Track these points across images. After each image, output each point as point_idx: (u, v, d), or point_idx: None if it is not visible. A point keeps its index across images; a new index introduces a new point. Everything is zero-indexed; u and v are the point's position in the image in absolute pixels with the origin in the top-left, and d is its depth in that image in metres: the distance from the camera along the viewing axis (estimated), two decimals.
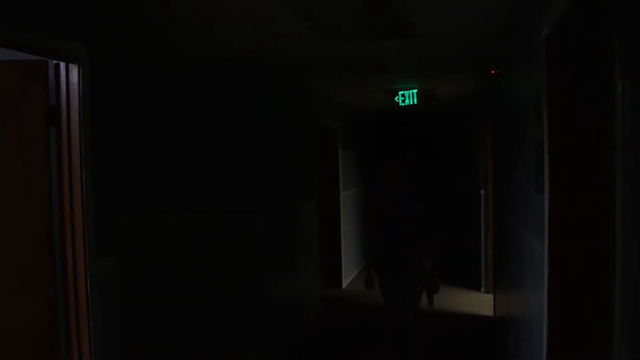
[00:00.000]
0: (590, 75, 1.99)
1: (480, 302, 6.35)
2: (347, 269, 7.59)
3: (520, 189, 3.37)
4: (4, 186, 2.54)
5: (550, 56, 2.23)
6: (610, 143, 1.48)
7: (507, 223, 4.26)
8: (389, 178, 3.78)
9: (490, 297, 6.23)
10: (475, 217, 7.10)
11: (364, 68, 5.11)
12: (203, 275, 4.77)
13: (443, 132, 11.03)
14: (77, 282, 2.67)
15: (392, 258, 3.84)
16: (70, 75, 2.63)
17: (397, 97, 6.18)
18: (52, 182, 2.63)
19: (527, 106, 2.96)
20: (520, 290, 3.43)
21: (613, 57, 1.42)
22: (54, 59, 2.59)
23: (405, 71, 5.30)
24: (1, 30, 2.23)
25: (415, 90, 6.12)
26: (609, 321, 1.51)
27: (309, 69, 5.13)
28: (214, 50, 4.17)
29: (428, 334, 4.11)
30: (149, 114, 4.93)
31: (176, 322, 4.86)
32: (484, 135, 6.53)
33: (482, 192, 6.60)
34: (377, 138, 10.41)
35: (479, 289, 6.81)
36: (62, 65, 2.63)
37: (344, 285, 7.40)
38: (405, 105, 6.26)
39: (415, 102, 6.21)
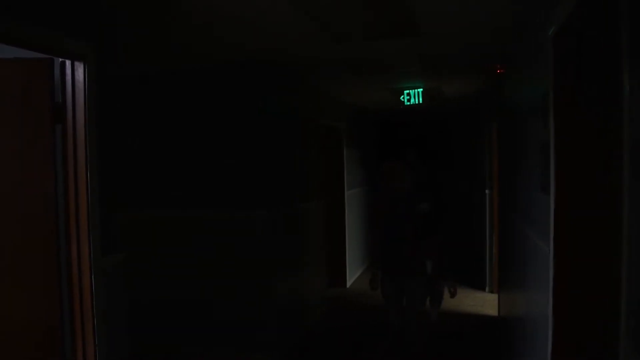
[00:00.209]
0: (597, 75, 1.98)
1: (484, 302, 6.34)
2: (352, 268, 7.59)
3: (526, 189, 3.36)
4: (9, 183, 2.55)
5: (556, 56, 2.22)
6: (616, 143, 1.47)
7: (512, 223, 4.24)
8: (389, 178, 3.77)
9: (494, 296, 6.22)
10: (480, 217, 7.09)
11: (368, 67, 5.10)
12: (208, 273, 4.78)
13: (443, 132, 11.01)
14: (82, 280, 2.68)
15: (393, 258, 3.83)
16: (76, 73, 2.64)
17: (402, 96, 6.17)
18: (58, 179, 2.63)
19: (533, 106, 2.95)
20: (525, 290, 3.42)
21: (621, 57, 1.41)
22: (59, 57, 2.60)
23: (411, 70, 5.29)
24: (7, 28, 2.23)
25: (420, 90, 6.11)
26: (614, 321, 1.50)
27: (314, 69, 5.12)
28: (216, 50, 4.17)
29: (431, 334, 4.08)
30: (152, 113, 4.93)
31: (180, 320, 4.87)
32: (489, 134, 6.51)
33: (487, 191, 6.59)
34: (377, 138, 10.40)
35: (483, 289, 6.79)
36: (68, 63, 2.63)
37: (348, 284, 7.40)
38: (410, 104, 6.26)
39: (421, 101, 6.21)
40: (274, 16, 3.29)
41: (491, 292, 6.61)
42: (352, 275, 7.63)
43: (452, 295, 4.00)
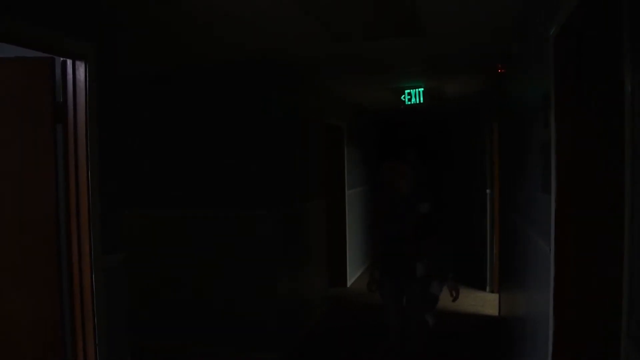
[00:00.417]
0: (598, 75, 1.98)
1: (485, 302, 6.33)
2: (352, 267, 7.59)
3: (527, 189, 3.36)
4: (10, 183, 2.55)
5: (557, 55, 2.22)
6: (618, 142, 1.47)
7: (512, 222, 4.24)
8: (389, 178, 3.74)
9: (495, 296, 6.22)
10: (481, 217, 7.08)
11: (369, 67, 5.10)
12: (208, 273, 4.79)
13: (443, 132, 11.00)
14: (82, 280, 2.68)
15: (393, 258, 3.80)
16: (77, 73, 2.64)
17: (403, 96, 6.17)
18: (59, 178, 2.64)
19: (534, 106, 2.95)
20: (526, 290, 3.42)
21: (622, 57, 1.41)
22: (60, 56, 2.60)
23: (411, 70, 5.29)
24: (8, 27, 2.24)
25: (421, 89, 6.11)
26: (615, 321, 1.50)
27: (315, 68, 5.12)
28: (216, 50, 4.17)
29: (431, 335, 4.04)
30: (152, 113, 4.94)
31: (180, 320, 4.87)
32: (490, 134, 6.51)
33: (487, 191, 6.59)
34: (377, 138, 10.41)
35: (484, 289, 6.79)
36: (69, 62, 2.64)
37: (349, 283, 7.40)
38: (411, 104, 6.25)
39: (422, 101, 6.20)
40: (274, 16, 3.29)
41: (492, 292, 6.60)
42: (353, 274, 7.63)
43: (454, 298, 3.88)
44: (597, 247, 2.00)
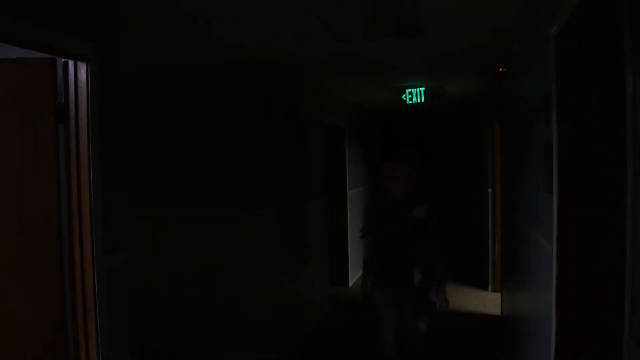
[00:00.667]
0: (600, 74, 1.98)
1: (487, 301, 6.33)
2: (354, 266, 7.59)
3: (529, 188, 3.35)
4: (12, 183, 2.56)
5: (558, 55, 2.21)
6: (620, 142, 1.47)
7: (515, 222, 4.24)
8: (390, 178, 3.69)
9: (497, 295, 6.21)
10: (482, 216, 7.08)
11: (371, 66, 5.10)
12: (211, 272, 4.79)
13: (443, 132, 11.00)
14: (84, 279, 2.69)
15: (391, 262, 3.71)
16: (79, 74, 2.65)
17: (404, 95, 6.16)
18: (60, 179, 2.64)
19: (535, 105, 2.94)
20: (528, 290, 3.41)
21: (624, 56, 1.41)
22: (62, 57, 2.61)
23: (412, 70, 5.29)
24: (9, 28, 2.24)
25: (422, 89, 6.10)
26: (618, 321, 1.50)
27: (315, 68, 5.12)
28: (216, 50, 4.17)
29: (425, 340, 3.97)
30: (153, 113, 4.94)
31: (180, 320, 4.87)
32: (491, 134, 6.50)
33: (489, 190, 6.59)
34: (377, 138, 10.41)
35: (486, 288, 6.79)
36: (71, 63, 2.64)
37: (351, 283, 7.39)
38: (412, 104, 6.25)
39: (423, 100, 6.20)
40: (274, 16, 3.29)
41: (494, 291, 6.60)
42: (355, 274, 7.63)
43: (443, 307, 3.76)
44: (599, 246, 1.99)
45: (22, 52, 2.48)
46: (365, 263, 3.94)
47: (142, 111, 4.92)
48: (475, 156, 8.25)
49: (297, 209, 5.29)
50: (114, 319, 2.86)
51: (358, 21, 3.51)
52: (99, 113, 2.72)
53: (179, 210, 4.87)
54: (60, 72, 2.63)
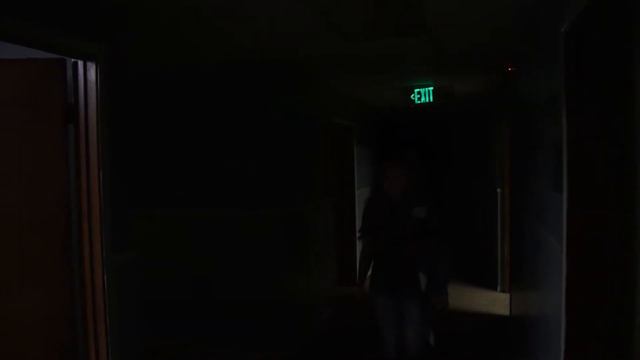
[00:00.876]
0: (610, 72, 1.97)
1: (495, 301, 6.30)
2: None
3: (538, 187, 3.34)
4: (23, 182, 2.57)
5: (568, 53, 2.20)
6: (630, 141, 1.46)
7: (524, 221, 4.22)
8: (390, 178, 3.65)
9: (506, 296, 6.18)
10: (491, 216, 7.05)
11: (379, 65, 5.09)
12: (217, 272, 4.79)
13: (443, 132, 10.96)
14: (94, 278, 2.70)
15: (391, 264, 3.64)
16: (88, 74, 2.66)
17: (413, 95, 6.15)
18: (70, 179, 2.66)
19: (544, 104, 2.93)
20: (538, 290, 3.40)
21: (634, 54, 1.40)
22: (72, 57, 2.62)
23: (421, 69, 5.28)
24: (20, 28, 2.26)
25: (431, 88, 6.08)
26: (628, 322, 1.49)
27: (322, 67, 5.11)
28: (223, 49, 4.17)
29: (441, 333, 3.93)
30: (159, 112, 4.92)
31: (190, 318, 4.87)
32: (500, 133, 6.48)
33: (498, 190, 6.56)
34: (382, 137, 10.39)
35: (494, 288, 6.76)
36: (80, 63, 2.65)
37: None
38: (420, 103, 6.23)
39: (432, 100, 6.18)
40: (284, 15, 3.29)
41: (502, 291, 6.57)
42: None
43: (442, 313, 3.65)
44: (609, 245, 1.98)
45: (32, 53, 2.50)
46: (360, 265, 3.92)
47: (143, 111, 4.91)
48: (479, 156, 8.23)
49: (301, 209, 5.28)
50: (124, 318, 2.87)
51: (365, 20, 3.50)
52: (109, 113, 2.73)
53: (182, 210, 4.86)
54: (69, 72, 2.64)
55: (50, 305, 2.60)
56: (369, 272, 3.91)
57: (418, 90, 6.10)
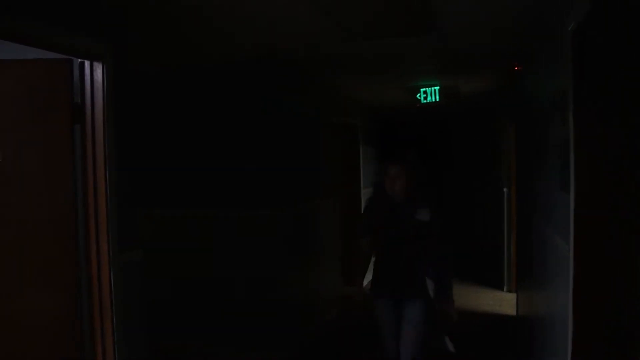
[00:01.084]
0: (617, 72, 1.96)
1: (502, 301, 6.29)
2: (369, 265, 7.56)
3: (545, 188, 3.33)
4: (30, 183, 2.59)
5: (575, 52, 2.19)
6: (637, 140, 1.45)
7: (531, 221, 4.20)
8: (390, 178, 3.63)
9: (513, 296, 6.16)
10: (498, 216, 7.03)
11: (383, 65, 5.08)
12: (221, 272, 4.78)
13: (443, 132, 10.91)
14: (101, 277, 2.71)
15: (391, 264, 3.62)
16: (95, 74, 2.67)
17: (419, 95, 6.13)
18: (77, 178, 2.67)
19: (551, 103, 2.92)
20: (544, 290, 3.39)
21: None
22: (78, 57, 2.63)
23: (427, 68, 5.26)
24: (27, 29, 2.27)
25: (437, 88, 6.06)
26: (635, 322, 1.48)
27: (326, 67, 5.10)
28: (226, 48, 4.16)
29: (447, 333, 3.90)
30: (163, 112, 4.92)
31: (190, 318, 4.86)
32: (506, 133, 6.46)
33: (504, 190, 6.54)
34: (387, 136, 10.36)
35: (501, 288, 6.74)
36: (87, 63, 2.66)
37: (365, 282, 7.36)
38: (426, 103, 6.21)
39: (438, 100, 6.16)
40: (288, 15, 3.29)
41: (509, 291, 6.55)
42: (369, 273, 7.59)
43: (452, 319, 3.54)
44: (616, 245, 1.97)
45: (38, 53, 2.51)
46: (360, 264, 3.92)
47: (143, 111, 4.90)
48: (482, 155, 8.21)
49: (301, 209, 5.25)
50: (130, 317, 2.88)
51: (371, 19, 3.49)
52: (116, 113, 2.74)
53: (181, 210, 4.86)
54: (76, 72, 2.65)
55: (57, 304, 2.61)
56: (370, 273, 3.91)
57: (424, 89, 6.08)
